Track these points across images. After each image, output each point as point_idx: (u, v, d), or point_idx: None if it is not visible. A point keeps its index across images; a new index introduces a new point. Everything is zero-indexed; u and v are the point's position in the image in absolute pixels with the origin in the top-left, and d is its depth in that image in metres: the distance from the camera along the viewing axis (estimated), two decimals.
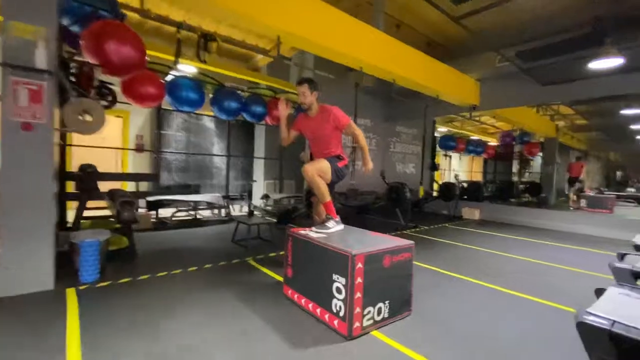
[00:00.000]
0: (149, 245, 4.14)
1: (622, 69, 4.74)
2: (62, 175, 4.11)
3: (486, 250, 4.57)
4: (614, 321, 1.58)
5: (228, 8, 3.31)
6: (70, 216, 3.97)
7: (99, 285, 2.73)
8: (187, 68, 6.01)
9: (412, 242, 2.32)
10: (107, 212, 4.73)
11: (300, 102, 2.85)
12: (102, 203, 4.71)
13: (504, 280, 3.25)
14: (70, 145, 6.00)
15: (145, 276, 2.99)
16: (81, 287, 2.66)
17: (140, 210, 5.59)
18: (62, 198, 4.10)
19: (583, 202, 9.19)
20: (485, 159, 15.85)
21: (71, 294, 2.53)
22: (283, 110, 3.04)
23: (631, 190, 15.50)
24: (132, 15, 5.15)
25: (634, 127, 10.17)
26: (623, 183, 18.53)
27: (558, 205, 10.26)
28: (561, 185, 12.98)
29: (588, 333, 1.61)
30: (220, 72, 6.08)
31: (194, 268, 3.27)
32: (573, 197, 9.46)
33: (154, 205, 5.36)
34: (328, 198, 2.66)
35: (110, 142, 6.82)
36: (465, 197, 8.53)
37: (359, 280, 1.97)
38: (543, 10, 4.81)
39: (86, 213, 4.75)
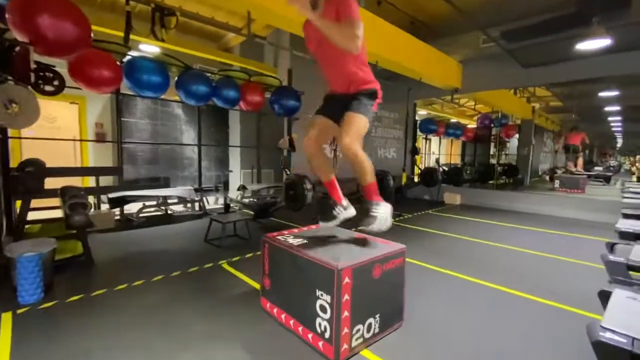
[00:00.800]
0: (111, 249, 3.71)
1: (608, 50, 4.63)
2: (4, 172, 3.56)
3: (472, 239, 4.46)
4: (634, 339, 1.42)
5: None
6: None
7: (42, 306, 2.33)
8: (149, 48, 5.41)
9: (403, 246, 2.07)
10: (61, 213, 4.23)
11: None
12: (56, 201, 4.20)
13: (495, 275, 3.11)
14: (18, 138, 5.36)
15: (101, 291, 2.60)
16: (20, 311, 2.25)
17: (102, 207, 5.10)
18: (7, 198, 3.58)
19: (557, 183, 9.41)
20: (464, 141, 15.97)
21: (6, 320, 2.13)
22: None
23: (599, 169, 16.20)
24: None
25: (608, 108, 10.38)
26: (591, 162, 19.36)
27: (533, 186, 10.48)
28: (536, 166, 13.30)
29: (606, 354, 1.44)
30: (186, 53, 5.52)
31: (160, 277, 2.91)
32: (574, 166, 9.51)
33: (117, 202, 4.87)
34: (374, 178, 1.98)
35: (66, 132, 6.15)
36: (447, 181, 8.48)
37: (347, 297, 1.70)
38: None
39: (38, 214, 4.25)
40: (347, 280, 1.70)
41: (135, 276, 2.90)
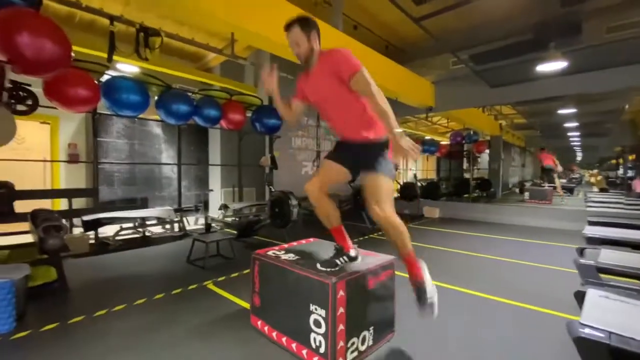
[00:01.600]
0: (86, 274, 3.52)
1: (563, 71, 5.09)
2: None
3: (452, 250, 4.60)
4: (610, 333, 1.52)
5: (177, 1, 2.90)
6: None
7: (14, 337, 2.17)
8: (128, 67, 5.36)
9: (392, 257, 2.13)
10: (31, 238, 3.98)
11: (296, 55, 1.90)
12: (25, 226, 3.96)
13: (475, 283, 3.22)
14: None
15: (79, 318, 2.46)
16: None
17: (75, 231, 4.85)
18: None
19: (526, 195, 9.95)
20: (438, 157, 16.59)
21: None
22: (269, 81, 1.99)
23: (563, 181, 17.29)
24: (59, 7, 4.44)
25: (566, 125, 11.22)
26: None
27: (505, 199, 10.98)
28: (506, 180, 13.99)
29: (587, 349, 1.53)
30: (166, 73, 5.52)
31: (142, 300, 2.79)
32: (559, 186, 9.91)
33: (91, 225, 4.64)
34: (410, 246, 1.81)
35: (36, 154, 5.87)
36: (425, 195, 8.74)
37: (341, 310, 1.72)
38: (495, 14, 5.00)
39: (6, 240, 3.98)
40: (341, 293, 1.72)
41: (115, 301, 2.76)
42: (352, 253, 1.97)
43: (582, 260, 2.68)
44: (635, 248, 3.22)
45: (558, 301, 2.71)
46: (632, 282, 2.39)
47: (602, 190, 12.71)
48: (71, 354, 1.98)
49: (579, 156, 24.72)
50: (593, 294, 1.97)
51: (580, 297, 2.04)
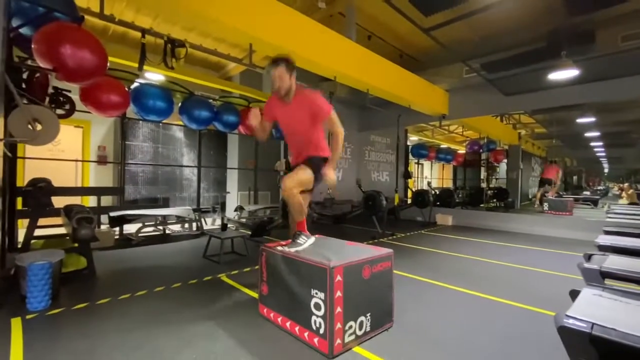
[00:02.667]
0: (111, 265, 3.81)
1: (578, 80, 5.08)
2: (12, 191, 3.72)
3: (462, 255, 4.63)
4: (593, 324, 1.60)
5: (200, 15, 3.19)
6: (22, 236, 3.58)
7: (50, 312, 2.44)
8: (154, 76, 5.76)
9: (390, 250, 2.26)
10: (62, 230, 4.34)
11: (277, 88, 2.29)
12: (57, 220, 4.32)
13: (483, 285, 3.27)
14: (23, 157, 5.54)
15: (106, 300, 2.72)
16: (28, 317, 2.36)
17: (102, 226, 5.21)
18: (11, 216, 3.71)
19: (546, 206, 9.72)
20: (455, 166, 16.42)
21: (16, 325, 2.23)
22: (255, 121, 2.47)
23: (587, 193, 16.66)
24: (95, 21, 4.89)
25: (587, 134, 10.93)
26: (580, 187, 19.87)
27: (524, 209, 10.74)
28: (526, 190, 13.67)
29: (569, 337, 1.61)
30: (190, 81, 5.88)
31: (161, 288, 3.03)
32: (538, 197, 9.95)
33: (117, 221, 4.99)
34: (302, 217, 2.43)
35: (70, 154, 6.36)
36: (438, 203, 8.72)
37: (339, 294, 1.87)
38: (505, 23, 5.08)
39: (39, 232, 4.35)
40: (338, 278, 1.88)
41: (137, 287, 3.01)
42: (307, 233, 2.47)
43: (586, 265, 2.71)
44: None
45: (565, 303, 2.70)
46: (635, 287, 2.40)
47: (631, 204, 12.21)
48: (100, 329, 2.22)
49: (606, 168, 23.72)
50: (587, 292, 2.03)
51: (574, 295, 2.10)
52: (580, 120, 8.42)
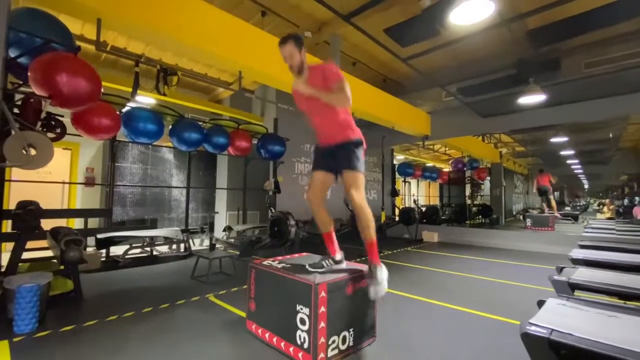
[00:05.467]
0: (98, 287, 3.80)
1: (549, 102, 5.48)
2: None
3: (447, 272, 4.77)
4: (552, 330, 1.75)
5: (192, 46, 3.39)
6: (5, 259, 3.56)
7: (37, 335, 2.45)
8: (145, 99, 5.92)
9: None
10: (47, 253, 4.32)
11: (290, 67, 2.25)
12: (42, 243, 4.30)
13: (465, 300, 3.39)
14: (9, 180, 5.52)
15: (93, 322, 2.73)
16: (15, 339, 2.36)
17: (88, 249, 5.17)
18: None
19: (529, 222, 10.00)
20: (441, 184, 16.80)
21: (3, 347, 2.24)
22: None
23: (568, 209, 17.17)
24: (88, 47, 5.06)
25: (563, 152, 11.46)
26: (561, 203, 20.46)
27: (508, 225, 11.02)
28: (510, 206, 14.06)
29: (531, 343, 1.76)
30: (180, 104, 6.05)
31: (149, 309, 3.05)
32: (555, 206, 10.09)
33: (104, 243, 4.98)
34: (375, 236, 2.16)
35: (57, 176, 6.35)
36: (425, 220, 8.91)
37: (323, 309, 1.98)
38: (479, 53, 5.48)
39: (24, 255, 4.31)
40: (323, 294, 1.99)
41: (124, 309, 3.03)
42: (337, 257, 2.33)
43: (556, 277, 2.89)
44: (612, 268, 3.39)
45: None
46: (602, 298, 2.56)
47: (609, 219, 12.64)
48: (88, 351, 2.24)
49: (586, 184, 24.56)
50: (552, 302, 2.19)
51: (541, 305, 2.25)
52: (554, 140, 8.89)
